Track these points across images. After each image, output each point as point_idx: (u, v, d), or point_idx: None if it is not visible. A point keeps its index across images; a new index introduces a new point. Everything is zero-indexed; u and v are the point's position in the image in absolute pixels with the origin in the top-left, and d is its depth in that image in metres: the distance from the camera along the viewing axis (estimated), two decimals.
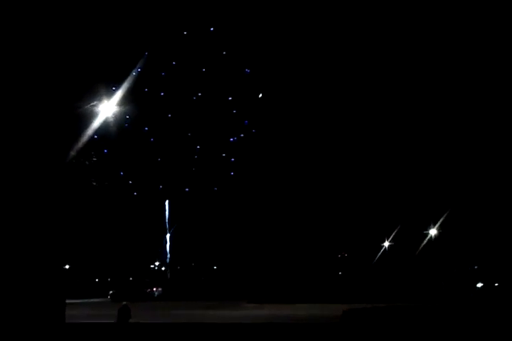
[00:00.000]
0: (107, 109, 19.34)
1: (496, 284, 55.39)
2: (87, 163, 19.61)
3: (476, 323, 23.53)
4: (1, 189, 16.22)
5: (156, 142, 68.79)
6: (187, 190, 70.48)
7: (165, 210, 72.05)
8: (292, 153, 69.86)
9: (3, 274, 15.66)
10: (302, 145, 69.97)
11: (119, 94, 19.46)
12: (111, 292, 55.68)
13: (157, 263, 79.61)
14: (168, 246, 71.96)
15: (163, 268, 78.92)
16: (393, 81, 66.92)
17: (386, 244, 72.20)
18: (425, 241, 65.13)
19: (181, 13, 65.98)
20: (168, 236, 71.62)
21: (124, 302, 19.69)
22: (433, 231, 64.57)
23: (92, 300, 54.96)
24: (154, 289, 59.34)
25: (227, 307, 40.40)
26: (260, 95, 70.53)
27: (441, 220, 63.06)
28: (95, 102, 18.99)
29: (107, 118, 19.46)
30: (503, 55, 60.13)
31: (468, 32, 62.01)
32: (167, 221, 71.76)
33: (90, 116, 19.08)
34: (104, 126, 19.64)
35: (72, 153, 18.16)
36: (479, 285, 56.31)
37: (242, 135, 70.15)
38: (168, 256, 72.28)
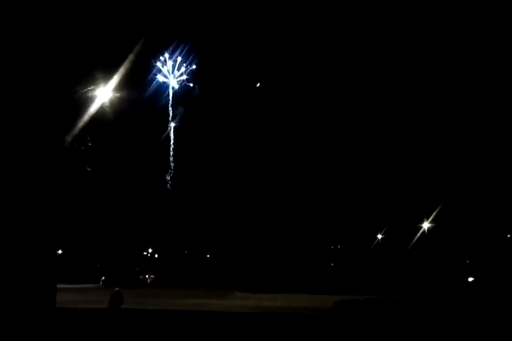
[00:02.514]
0: (104, 94, 19.20)
1: (487, 278, 55.73)
2: (82, 148, 19.47)
3: (466, 316, 23.66)
4: None
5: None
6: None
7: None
8: (287, 147, 69.87)
9: None
10: (297, 139, 70.00)
11: (115, 78, 19.31)
12: (103, 278, 55.80)
13: (150, 250, 79.74)
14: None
15: (156, 255, 79.09)
16: (385, 77, 66.93)
17: (379, 236, 72.42)
18: (418, 235, 65.33)
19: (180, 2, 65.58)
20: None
21: (117, 289, 19.64)
22: (426, 225, 64.79)
23: (84, 285, 55.01)
24: (147, 276, 59.48)
25: (218, 296, 40.51)
26: (258, 84, 70.31)
27: (434, 214, 63.23)
28: (92, 87, 18.83)
29: (103, 104, 19.33)
30: (503, 55, 60.19)
31: (469, 32, 61.97)
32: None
33: (86, 101, 18.93)
34: (101, 111, 19.52)
35: (68, 138, 18.03)
36: (470, 279, 56.65)
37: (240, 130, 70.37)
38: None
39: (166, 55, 78.45)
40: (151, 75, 75.94)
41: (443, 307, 28.20)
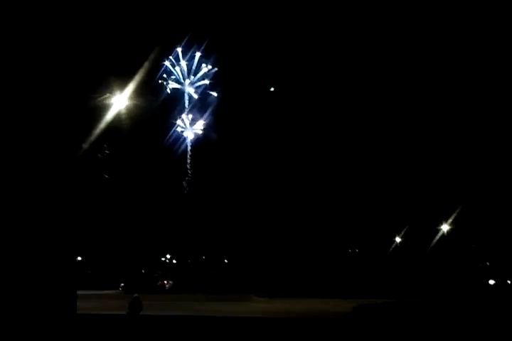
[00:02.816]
0: (120, 101, 19.37)
1: (509, 281, 54.99)
2: (99, 155, 19.64)
3: (486, 320, 23.36)
4: (14, 181, 16.31)
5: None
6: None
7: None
8: (304, 149, 69.77)
9: (16, 266, 15.77)
10: (313, 143, 69.86)
11: (131, 86, 19.48)
12: (122, 284, 56.06)
13: (168, 256, 79.98)
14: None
15: (174, 261, 79.28)
16: (403, 79, 66.65)
17: (397, 239, 71.86)
18: (437, 237, 64.71)
19: (192, 9, 65.94)
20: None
21: (136, 295, 19.79)
22: (445, 227, 64.17)
23: (103, 291, 55.32)
24: (165, 282, 59.60)
25: (237, 301, 40.49)
26: (272, 89, 70.39)
27: (453, 216, 62.62)
28: (108, 95, 19.00)
29: (119, 111, 19.50)
30: (503, 55, 59.90)
31: (469, 32, 61.73)
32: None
33: (103, 108, 19.10)
34: (117, 119, 19.69)
35: (85, 145, 18.19)
36: (491, 282, 55.95)
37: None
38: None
39: (179, 49, 75.79)
40: (162, 81, 75.03)
41: (463, 310, 27.87)
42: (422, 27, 63.89)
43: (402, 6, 63.15)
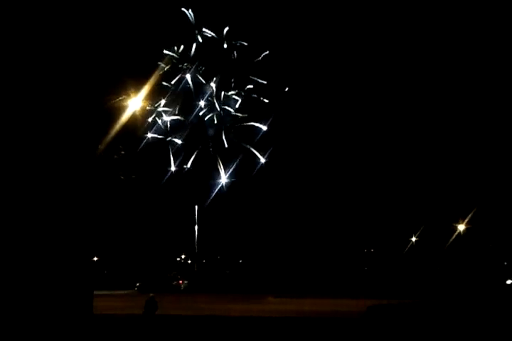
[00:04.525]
0: (135, 103, 19.51)
1: None
2: (115, 156, 19.82)
3: (503, 320, 23.16)
4: (30, 182, 16.51)
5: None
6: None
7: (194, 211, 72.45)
8: (318, 148, 69.58)
9: (33, 266, 15.97)
10: (329, 140, 69.63)
11: (146, 88, 19.63)
12: (138, 284, 56.39)
13: (183, 256, 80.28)
14: (196, 238, 72.10)
15: (189, 261, 79.58)
16: (424, 82, 66.31)
17: (413, 239, 71.46)
18: (453, 237, 64.27)
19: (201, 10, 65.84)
20: (196, 227, 71.89)
21: (151, 294, 19.91)
22: (461, 227, 63.71)
23: (119, 291, 55.68)
24: (180, 282, 59.82)
25: (252, 301, 40.55)
26: (287, 89, 70.15)
27: (470, 215, 62.16)
28: (123, 97, 19.16)
29: (134, 113, 19.65)
30: (503, 55, 59.41)
31: (469, 32, 61.28)
32: (196, 214, 72.07)
33: (118, 110, 19.27)
34: (133, 120, 19.83)
35: (101, 147, 18.36)
36: (509, 282, 55.45)
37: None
38: (196, 247, 72.66)
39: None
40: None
41: (480, 310, 27.62)
42: (424, 28, 63.62)
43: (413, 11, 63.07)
